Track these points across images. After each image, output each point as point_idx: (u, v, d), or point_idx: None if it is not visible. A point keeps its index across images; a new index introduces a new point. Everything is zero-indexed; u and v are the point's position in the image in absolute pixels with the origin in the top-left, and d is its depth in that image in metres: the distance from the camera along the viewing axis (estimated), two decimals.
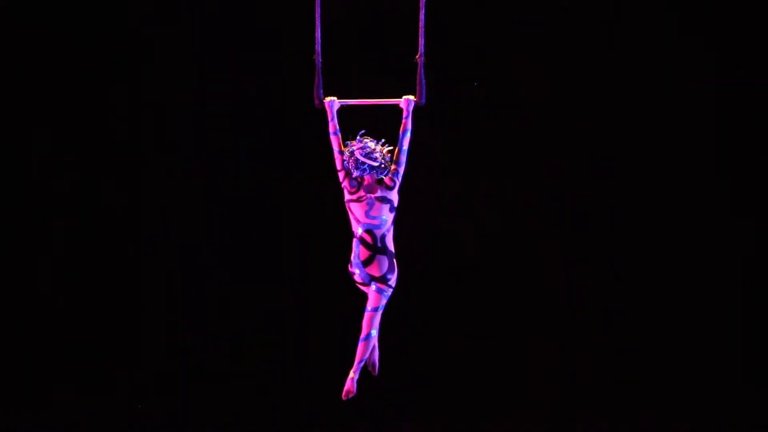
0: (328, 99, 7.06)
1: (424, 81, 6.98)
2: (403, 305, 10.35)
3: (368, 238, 6.96)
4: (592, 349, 10.43)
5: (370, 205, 6.97)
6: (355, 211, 6.98)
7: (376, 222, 6.98)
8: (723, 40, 10.23)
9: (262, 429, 9.89)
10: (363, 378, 10.23)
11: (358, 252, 6.97)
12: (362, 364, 7.15)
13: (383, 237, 6.98)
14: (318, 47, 7.00)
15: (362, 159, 6.91)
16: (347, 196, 7.00)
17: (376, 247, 6.95)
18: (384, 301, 7.02)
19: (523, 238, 10.52)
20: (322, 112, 7.16)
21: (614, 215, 10.47)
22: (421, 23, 6.97)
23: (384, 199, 6.99)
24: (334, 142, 7.05)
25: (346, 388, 7.19)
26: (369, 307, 7.00)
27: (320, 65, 7.03)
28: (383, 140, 7.05)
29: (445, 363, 10.47)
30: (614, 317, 10.46)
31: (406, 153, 7.04)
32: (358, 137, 6.98)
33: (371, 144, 6.94)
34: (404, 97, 7.03)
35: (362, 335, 7.08)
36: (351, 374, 7.17)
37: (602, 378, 10.35)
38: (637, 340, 10.41)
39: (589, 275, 10.46)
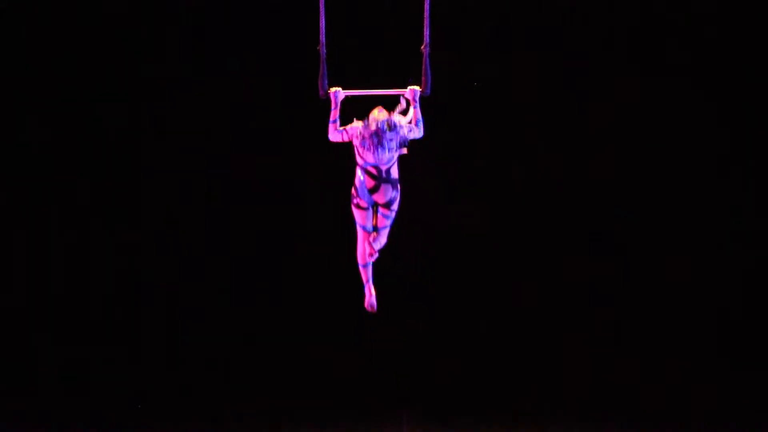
0: (333, 89, 7.00)
1: (429, 71, 6.92)
2: (402, 305, 10.43)
3: (374, 171, 6.92)
4: (592, 349, 10.42)
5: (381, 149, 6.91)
6: (364, 154, 6.91)
7: (383, 161, 6.92)
8: (723, 39, 10.26)
9: (261, 428, 9.84)
10: (361, 378, 10.28)
11: (363, 181, 6.93)
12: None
13: (389, 170, 6.94)
14: (322, 38, 6.94)
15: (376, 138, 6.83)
16: (356, 143, 6.93)
17: (381, 178, 6.92)
18: (389, 221, 7.05)
19: (522, 238, 10.53)
20: (325, 107, 7.09)
21: (615, 214, 10.49)
22: (426, 13, 6.92)
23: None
24: (331, 127, 7.01)
25: (368, 301, 7.29)
26: (378, 227, 7.01)
27: (325, 56, 6.97)
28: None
29: (444, 363, 10.45)
30: (615, 317, 10.46)
31: (422, 125, 7.01)
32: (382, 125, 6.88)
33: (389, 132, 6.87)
34: (409, 87, 6.98)
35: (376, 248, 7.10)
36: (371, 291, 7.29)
37: (602, 378, 10.34)
38: (638, 340, 10.40)
39: (589, 274, 10.45)
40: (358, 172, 6.96)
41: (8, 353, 10.39)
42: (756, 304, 10.39)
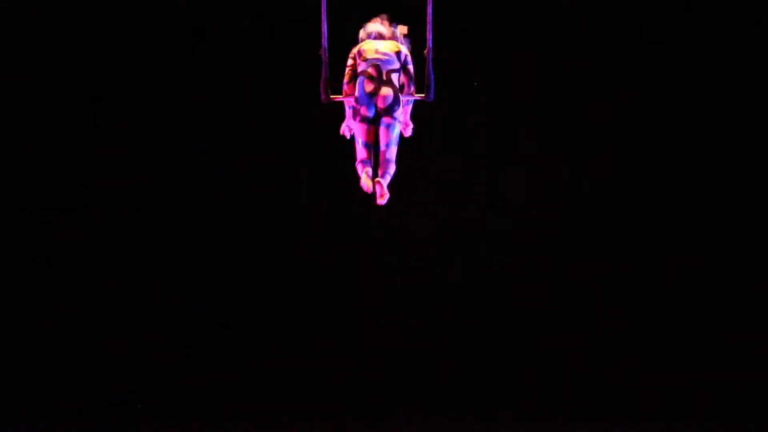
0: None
1: (432, 76, 6.80)
2: (402, 304, 10.43)
3: (374, 72, 6.76)
4: (592, 349, 10.43)
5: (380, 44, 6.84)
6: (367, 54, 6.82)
7: (385, 57, 6.83)
8: (724, 39, 10.27)
9: (261, 428, 9.84)
10: (361, 377, 10.29)
11: (362, 85, 6.80)
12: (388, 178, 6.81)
13: (389, 72, 6.80)
14: (324, 42, 6.88)
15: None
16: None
17: (381, 80, 6.77)
18: (394, 135, 6.75)
19: (522, 238, 10.53)
20: (326, 107, 7.06)
21: (614, 213, 10.50)
22: (429, 17, 6.85)
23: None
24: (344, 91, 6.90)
25: (367, 189, 6.79)
26: (382, 145, 6.79)
27: (327, 60, 6.90)
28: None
29: (444, 363, 10.46)
30: (615, 317, 10.47)
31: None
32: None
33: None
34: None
35: (381, 173, 6.76)
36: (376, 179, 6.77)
37: (602, 378, 10.35)
38: (638, 340, 10.42)
39: (589, 274, 10.46)
40: (358, 83, 6.80)
41: (8, 353, 10.40)
42: (757, 303, 10.39)
